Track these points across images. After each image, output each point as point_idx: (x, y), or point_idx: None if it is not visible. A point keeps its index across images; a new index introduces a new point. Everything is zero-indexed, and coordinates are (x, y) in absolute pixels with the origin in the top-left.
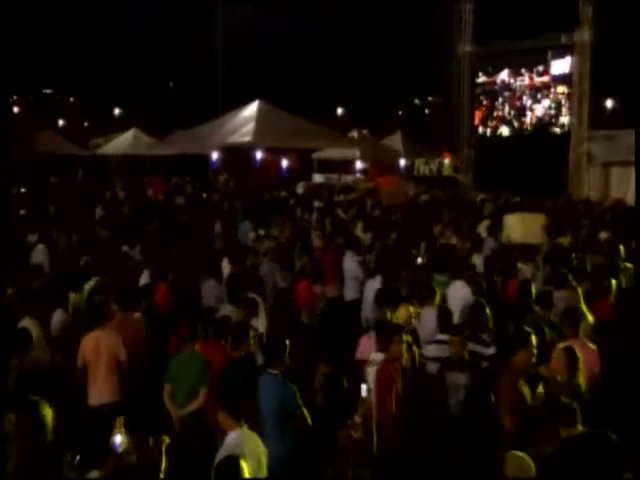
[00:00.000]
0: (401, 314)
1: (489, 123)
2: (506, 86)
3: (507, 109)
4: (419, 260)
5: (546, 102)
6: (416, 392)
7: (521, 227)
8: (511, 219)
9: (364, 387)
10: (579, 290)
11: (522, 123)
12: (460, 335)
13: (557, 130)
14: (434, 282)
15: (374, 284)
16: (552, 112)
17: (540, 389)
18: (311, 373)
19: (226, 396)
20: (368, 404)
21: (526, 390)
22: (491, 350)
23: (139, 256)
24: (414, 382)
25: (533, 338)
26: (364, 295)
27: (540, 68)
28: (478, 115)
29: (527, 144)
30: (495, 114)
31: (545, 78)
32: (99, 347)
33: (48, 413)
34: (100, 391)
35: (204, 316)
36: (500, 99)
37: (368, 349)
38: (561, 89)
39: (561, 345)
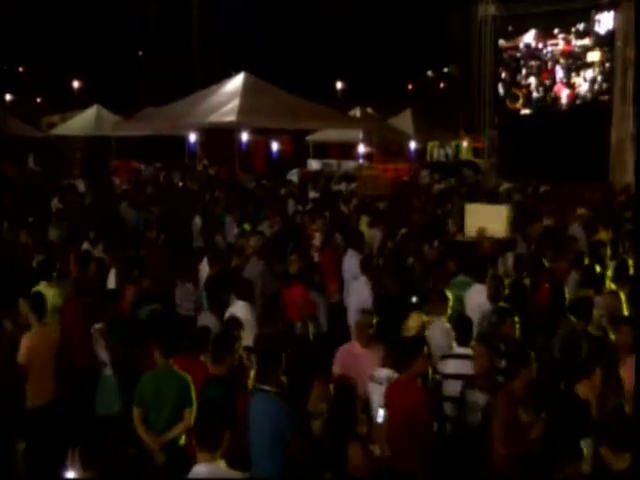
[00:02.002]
0: (412, 324)
1: (515, 99)
2: (532, 52)
3: (534, 81)
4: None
5: (587, 72)
6: (434, 417)
7: (483, 219)
8: (472, 210)
9: (381, 412)
10: (621, 295)
11: (553, 98)
12: (488, 347)
13: (595, 105)
14: (454, 285)
15: (359, 285)
16: (593, 84)
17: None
18: (305, 394)
19: (200, 422)
20: (384, 432)
21: (524, 415)
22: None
23: (103, 255)
24: (432, 405)
25: (532, 357)
26: (350, 298)
27: (580, 27)
28: (502, 89)
29: (560, 123)
30: (519, 87)
31: (586, 41)
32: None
33: None
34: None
35: (179, 326)
36: (524, 70)
37: (354, 363)
38: (595, 56)
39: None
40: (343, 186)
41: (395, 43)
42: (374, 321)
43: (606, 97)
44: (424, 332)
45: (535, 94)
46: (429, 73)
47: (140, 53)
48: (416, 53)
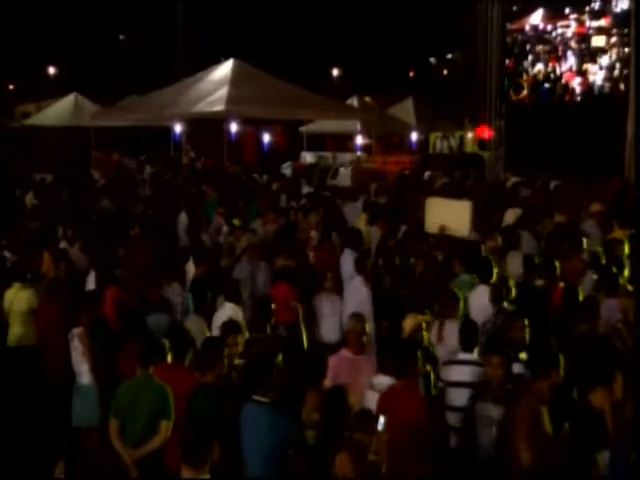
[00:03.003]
0: (407, 326)
1: (518, 89)
2: (539, 35)
3: (541, 68)
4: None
5: (603, 59)
6: (436, 427)
7: (445, 216)
8: (433, 205)
9: (382, 420)
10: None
11: (564, 88)
12: (503, 355)
13: (611, 94)
14: (456, 285)
15: (355, 286)
16: (612, 72)
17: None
18: (299, 405)
19: (186, 435)
20: (384, 441)
21: (547, 421)
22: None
23: (80, 254)
24: (433, 414)
25: (562, 359)
26: (345, 300)
27: (596, 5)
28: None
29: (572, 113)
30: (524, 76)
31: (602, 22)
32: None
33: None
34: None
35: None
36: (530, 56)
37: (348, 371)
38: (600, 41)
39: None
40: (339, 180)
41: (396, 27)
42: (367, 327)
43: (622, 85)
44: (421, 334)
45: (543, 84)
46: (432, 60)
47: (121, 37)
48: (418, 38)
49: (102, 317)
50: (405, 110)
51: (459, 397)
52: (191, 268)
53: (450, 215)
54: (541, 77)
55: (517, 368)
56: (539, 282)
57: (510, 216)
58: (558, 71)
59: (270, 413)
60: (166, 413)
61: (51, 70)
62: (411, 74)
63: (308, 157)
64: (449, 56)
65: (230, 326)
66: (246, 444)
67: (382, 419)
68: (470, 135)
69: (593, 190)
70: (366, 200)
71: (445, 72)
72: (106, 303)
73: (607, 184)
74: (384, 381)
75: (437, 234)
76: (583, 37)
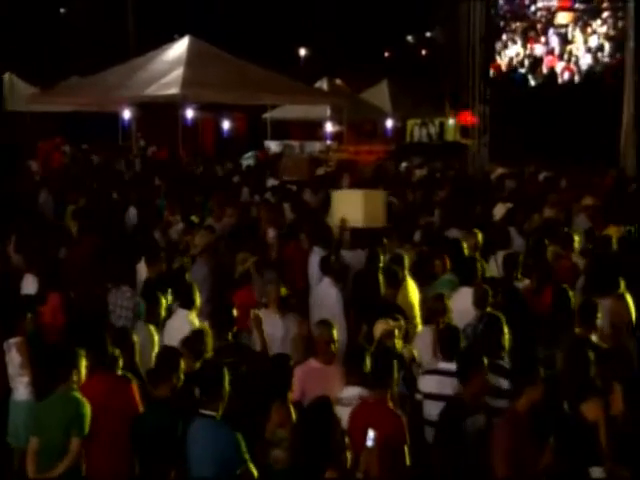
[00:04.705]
0: (377, 331)
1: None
2: (515, 10)
3: (520, 50)
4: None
5: (592, 39)
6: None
7: (362, 208)
8: (348, 197)
9: (371, 434)
10: (628, 298)
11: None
12: (480, 370)
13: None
14: (437, 285)
15: (322, 289)
16: (597, 54)
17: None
18: (262, 418)
19: (139, 457)
20: (374, 457)
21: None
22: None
23: (15, 255)
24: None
25: (541, 371)
26: (312, 304)
27: None
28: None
29: (563, 98)
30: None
31: None
32: None
33: None
34: None
35: (114, 338)
36: (504, 35)
37: (317, 384)
38: (564, 17)
39: None
40: None
41: (369, 2)
42: (335, 333)
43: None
44: (393, 341)
45: (519, 69)
46: (409, 38)
47: (62, 11)
48: (394, 15)
49: (40, 325)
50: (380, 94)
51: (438, 411)
52: (143, 269)
53: (348, 206)
54: (517, 61)
55: (498, 380)
56: (525, 283)
57: (500, 210)
58: (537, 53)
59: (217, 429)
60: (77, 429)
61: None
62: (386, 54)
63: (272, 146)
64: (428, 34)
65: (196, 335)
66: (193, 463)
67: (371, 433)
68: (451, 122)
69: (586, 182)
70: None
71: (424, 52)
72: (47, 309)
73: (601, 175)
74: (353, 393)
75: (352, 227)
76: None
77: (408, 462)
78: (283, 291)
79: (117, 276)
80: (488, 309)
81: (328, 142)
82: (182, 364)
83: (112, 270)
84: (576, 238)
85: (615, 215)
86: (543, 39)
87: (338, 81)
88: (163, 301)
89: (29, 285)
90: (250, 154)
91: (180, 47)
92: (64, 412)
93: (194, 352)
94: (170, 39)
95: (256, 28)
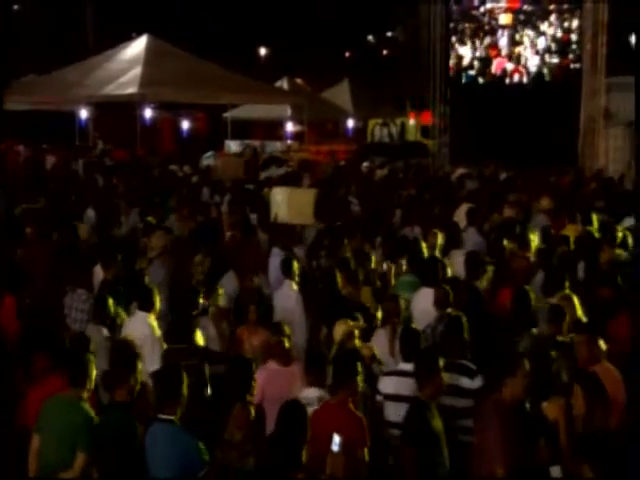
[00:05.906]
0: (337, 332)
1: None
2: (465, 11)
3: (468, 51)
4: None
5: (540, 40)
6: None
7: (289, 205)
8: (279, 194)
9: (337, 439)
10: (574, 299)
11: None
12: (436, 371)
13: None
14: (398, 286)
15: (283, 292)
16: (546, 56)
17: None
18: (222, 420)
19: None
20: (340, 462)
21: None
22: (478, 382)
23: None
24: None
25: (526, 364)
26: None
27: None
28: (457, 57)
29: (523, 98)
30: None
31: None
32: None
33: None
34: None
35: (71, 342)
36: (453, 37)
37: (277, 385)
38: (506, 18)
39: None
40: (273, 171)
41: (330, 1)
42: (289, 335)
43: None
44: (353, 342)
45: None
46: (370, 38)
47: (16, 7)
48: (355, 14)
49: None
50: (340, 94)
51: (398, 411)
52: (99, 272)
53: (296, 204)
54: (467, 61)
55: (462, 381)
56: (483, 283)
57: (464, 211)
58: (485, 55)
59: (176, 433)
60: (83, 442)
61: None
62: (347, 54)
63: (233, 146)
64: (389, 34)
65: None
66: (151, 468)
67: (337, 438)
68: (412, 122)
69: (545, 182)
70: None
71: (385, 52)
72: (3, 315)
73: (560, 175)
74: (313, 394)
75: (281, 223)
76: (517, 14)
77: (367, 463)
78: None
79: (73, 279)
80: (449, 310)
81: (289, 142)
82: (139, 365)
83: (68, 272)
84: (533, 237)
85: (574, 214)
86: (490, 40)
87: (299, 80)
88: (111, 302)
89: None
90: (210, 154)
91: (138, 46)
92: (69, 418)
93: None
94: (128, 37)
95: (216, 27)
